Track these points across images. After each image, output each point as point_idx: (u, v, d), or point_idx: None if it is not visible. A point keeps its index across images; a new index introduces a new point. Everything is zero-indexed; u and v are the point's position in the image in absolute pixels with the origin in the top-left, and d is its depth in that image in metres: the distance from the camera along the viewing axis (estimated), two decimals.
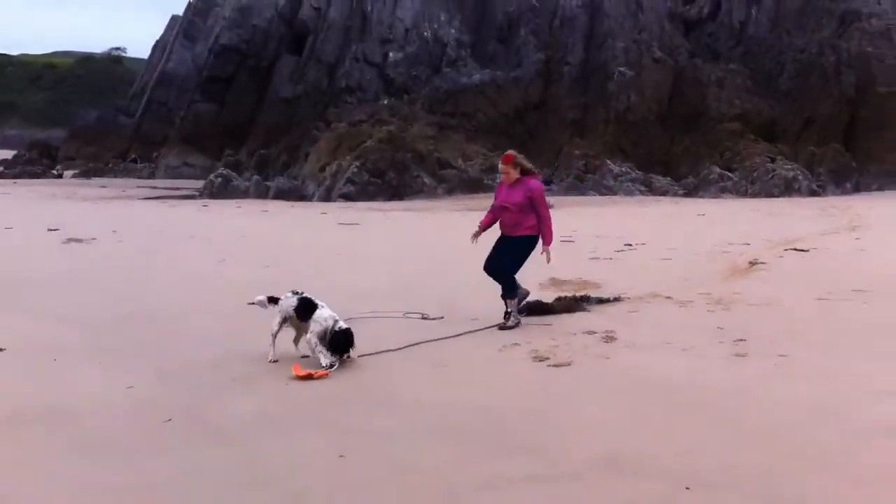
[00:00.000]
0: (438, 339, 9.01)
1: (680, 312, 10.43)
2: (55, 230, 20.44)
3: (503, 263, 9.75)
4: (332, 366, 7.75)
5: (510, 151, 10.16)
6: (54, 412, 6.68)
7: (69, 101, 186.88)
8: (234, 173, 38.80)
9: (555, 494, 5.06)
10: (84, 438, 6.11)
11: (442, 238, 19.35)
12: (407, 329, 9.56)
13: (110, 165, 62.43)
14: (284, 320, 8.32)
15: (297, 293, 8.38)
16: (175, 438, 6.13)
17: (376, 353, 8.35)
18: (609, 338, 8.98)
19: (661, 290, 11.86)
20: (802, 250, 16.20)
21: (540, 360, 8.16)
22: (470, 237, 10.11)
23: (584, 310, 10.52)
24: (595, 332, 9.21)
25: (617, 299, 11.12)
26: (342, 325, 8.00)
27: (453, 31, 58.54)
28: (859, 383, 7.18)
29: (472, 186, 35.53)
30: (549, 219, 9.80)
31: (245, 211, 27.99)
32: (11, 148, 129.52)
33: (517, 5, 57.46)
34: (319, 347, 7.90)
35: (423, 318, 10.12)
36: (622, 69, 44.78)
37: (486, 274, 9.93)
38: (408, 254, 16.99)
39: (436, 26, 58.61)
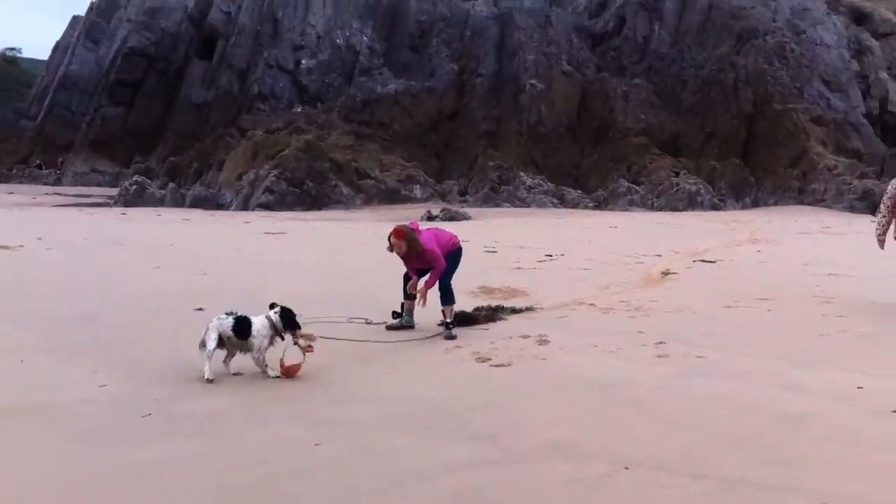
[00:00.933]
0: (395, 342, 9.70)
1: (604, 318, 11.29)
2: None
3: (440, 281, 10.16)
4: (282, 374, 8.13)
5: (400, 226, 10.21)
6: (37, 406, 7.10)
7: None
8: (148, 181, 38.59)
9: (508, 474, 5.76)
10: (71, 429, 6.56)
11: (367, 247, 19.89)
12: (354, 333, 10.16)
13: (14, 171, 60.88)
14: (222, 340, 8.20)
15: (231, 313, 8.25)
16: (155, 430, 6.62)
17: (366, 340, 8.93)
18: (543, 341, 9.77)
19: (584, 298, 12.74)
20: (710, 262, 17.35)
21: (482, 361, 8.89)
22: (420, 302, 10.11)
23: (501, 319, 11.10)
24: (529, 336, 9.99)
25: (530, 308, 11.82)
26: (276, 310, 8.29)
27: (365, 38, 59.10)
28: (768, 380, 8.11)
29: (389, 197, 36.16)
30: (440, 270, 10.04)
31: (166, 219, 28.02)
32: None
33: (428, 14, 58.43)
34: (266, 361, 8.16)
35: (367, 323, 10.74)
36: (533, 81, 46.04)
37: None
38: (337, 262, 17.51)
39: (348, 34, 59.09)
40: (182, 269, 15.82)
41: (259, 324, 8.19)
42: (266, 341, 8.20)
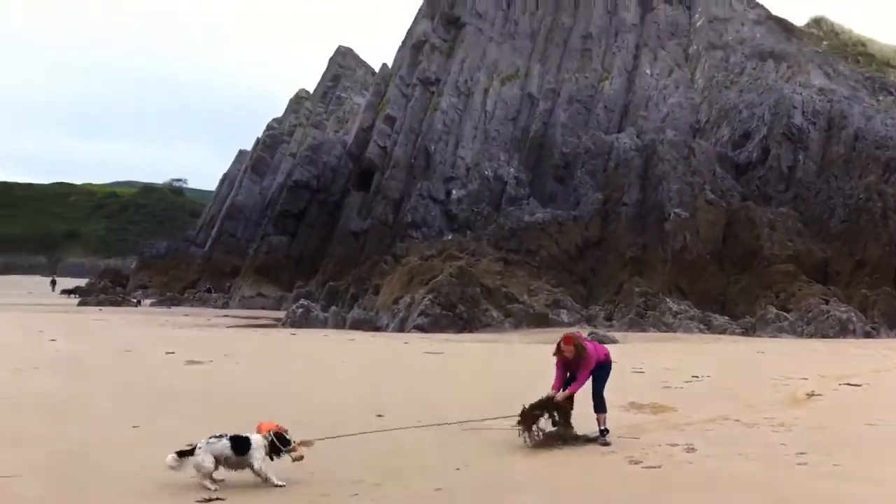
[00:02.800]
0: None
1: (748, 432, 12.20)
2: (172, 353, 22.75)
3: (593, 392, 11.52)
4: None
5: (570, 334, 11.67)
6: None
7: (129, 230, 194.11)
8: (313, 304, 41.29)
9: None
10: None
11: (521, 365, 21.26)
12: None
13: (186, 294, 65.43)
14: (217, 461, 9.01)
15: (221, 436, 9.13)
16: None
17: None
18: (690, 449, 10.83)
19: (729, 415, 13.64)
20: (855, 385, 17.81)
21: (635, 463, 10.05)
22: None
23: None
24: (678, 445, 11.06)
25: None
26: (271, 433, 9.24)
27: (512, 170, 61.65)
28: None
29: (537, 321, 37.40)
30: (581, 384, 11.32)
31: (332, 339, 30.14)
32: (73, 276, 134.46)
33: (572, 147, 60.62)
34: (266, 472, 9.09)
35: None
36: (677, 210, 47.01)
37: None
38: (494, 378, 18.85)
39: (496, 165, 61.81)
40: (358, 382, 17.53)
41: (256, 442, 9.15)
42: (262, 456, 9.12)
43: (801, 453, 10.54)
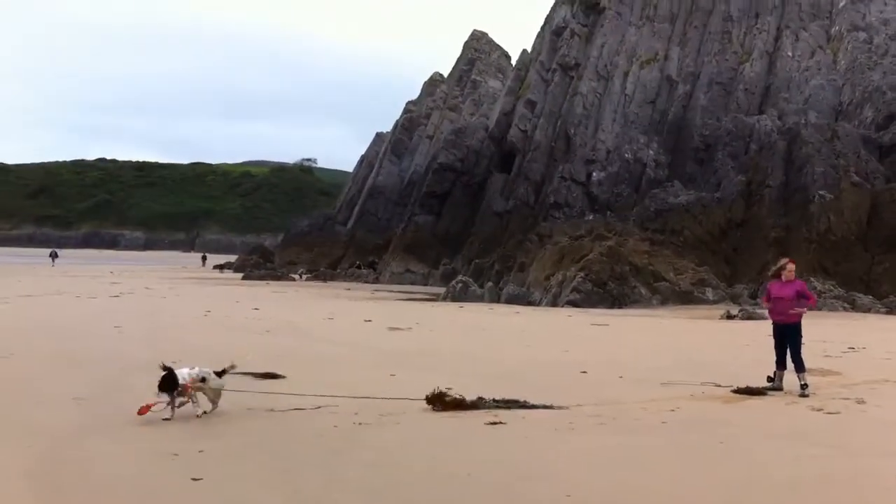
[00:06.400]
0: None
1: None
2: (369, 321, 25.87)
3: (793, 353, 14.03)
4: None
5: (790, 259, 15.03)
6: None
7: (263, 207, 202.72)
8: (471, 280, 44.22)
9: (848, 462, 9.23)
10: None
11: (687, 336, 23.46)
12: (713, 390, 13.86)
13: (339, 271, 69.59)
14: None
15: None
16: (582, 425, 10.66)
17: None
18: (860, 401, 13.02)
19: (890, 377, 15.70)
20: None
21: (817, 411, 12.32)
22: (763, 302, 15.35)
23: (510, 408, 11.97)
24: (849, 399, 13.26)
25: (549, 406, 12.22)
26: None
27: (651, 152, 63.24)
28: None
29: (682, 298, 39.30)
30: (813, 301, 14.52)
31: (498, 312, 32.89)
32: (211, 251, 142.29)
33: (712, 129, 61.67)
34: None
35: (716, 386, 14.35)
36: (822, 192, 47.85)
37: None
38: (672, 346, 21.10)
39: (635, 148, 63.49)
40: (548, 348, 20.15)
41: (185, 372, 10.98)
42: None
43: None
